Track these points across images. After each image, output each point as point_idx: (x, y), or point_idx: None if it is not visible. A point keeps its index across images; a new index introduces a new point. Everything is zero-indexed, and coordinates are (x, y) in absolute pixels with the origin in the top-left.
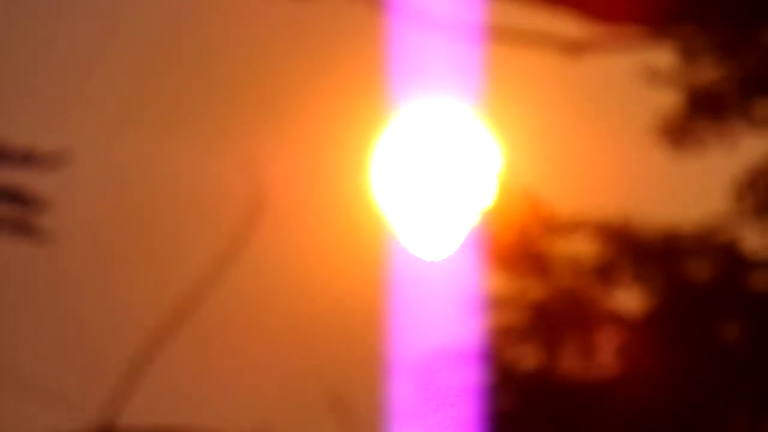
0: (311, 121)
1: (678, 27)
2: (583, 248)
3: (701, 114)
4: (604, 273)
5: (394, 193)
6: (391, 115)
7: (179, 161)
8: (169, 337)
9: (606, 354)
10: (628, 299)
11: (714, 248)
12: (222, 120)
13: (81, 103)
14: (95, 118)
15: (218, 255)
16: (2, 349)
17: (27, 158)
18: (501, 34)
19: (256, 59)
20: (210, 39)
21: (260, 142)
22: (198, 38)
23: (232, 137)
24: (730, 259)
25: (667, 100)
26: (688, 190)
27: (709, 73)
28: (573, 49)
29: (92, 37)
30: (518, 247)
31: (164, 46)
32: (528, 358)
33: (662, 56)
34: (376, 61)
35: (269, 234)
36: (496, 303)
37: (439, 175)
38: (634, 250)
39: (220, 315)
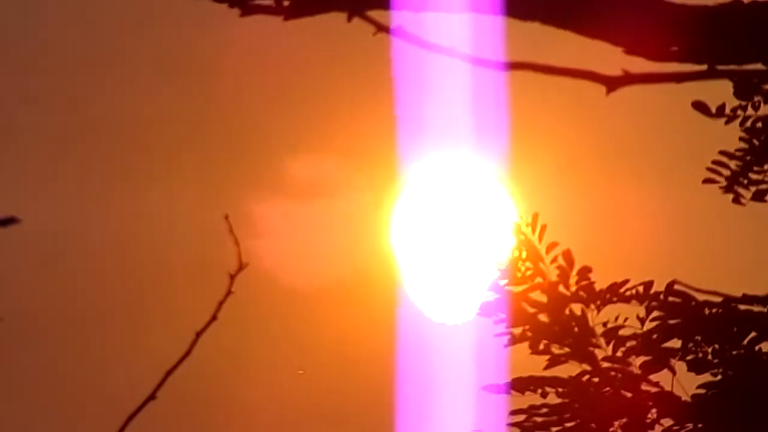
0: (321, 176)
1: (736, 63)
2: (624, 319)
3: (763, 159)
4: (651, 347)
5: (409, 252)
6: (408, 170)
7: (177, 218)
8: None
9: None
10: (680, 377)
11: None
12: (225, 178)
13: (69, 164)
14: (85, 176)
15: (213, 315)
16: None
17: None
18: (536, 69)
19: (264, 113)
20: (211, 94)
21: (270, 202)
22: (198, 93)
23: (236, 194)
24: None
25: (714, 145)
26: (747, 250)
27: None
28: (611, 83)
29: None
30: (548, 316)
31: (161, 103)
32: None
33: (709, 94)
34: (392, 113)
35: (273, 293)
36: (519, 382)
37: (457, 235)
38: (687, 321)
39: (213, 379)
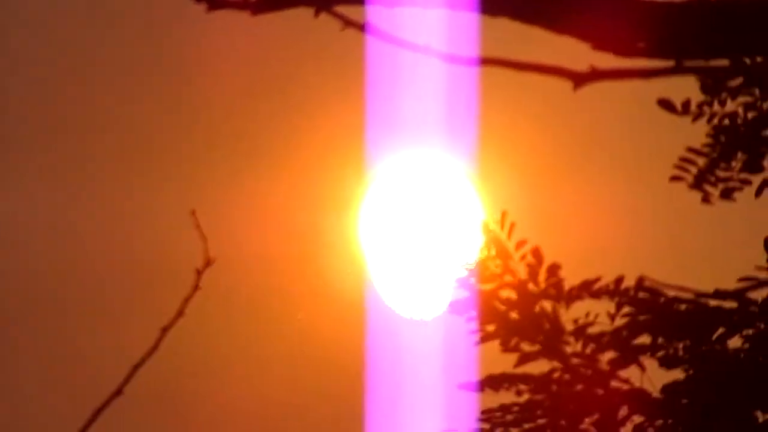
0: (291, 176)
1: (703, 59)
2: (595, 315)
3: (730, 156)
4: (620, 344)
5: (378, 249)
6: (375, 169)
7: (143, 213)
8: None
9: None
10: (648, 374)
11: (749, 314)
12: (191, 173)
13: (34, 159)
14: (50, 170)
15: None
16: None
17: None
18: (504, 65)
19: (235, 116)
20: (176, 89)
21: (237, 197)
22: (171, 93)
23: (201, 190)
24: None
25: (681, 142)
26: (715, 246)
27: (736, 108)
28: (578, 79)
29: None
30: (518, 313)
31: (135, 102)
32: None
33: (675, 90)
34: (361, 110)
35: (239, 289)
36: (492, 379)
37: (425, 231)
38: (656, 317)
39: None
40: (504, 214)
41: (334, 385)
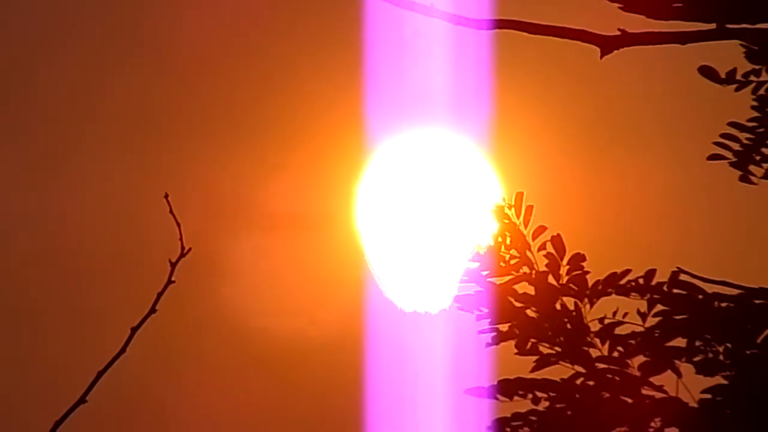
0: (280, 156)
1: (749, 22)
2: (624, 314)
3: None
4: (652, 346)
5: (378, 236)
6: (375, 149)
7: (110, 200)
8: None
9: None
10: (685, 380)
11: None
12: (166, 155)
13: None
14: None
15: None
16: None
17: None
18: (522, 28)
19: (217, 90)
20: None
21: (217, 178)
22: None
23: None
24: None
25: (722, 116)
26: (761, 234)
27: None
28: (606, 44)
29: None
30: (536, 311)
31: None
32: None
33: (717, 58)
34: (360, 78)
35: (220, 287)
36: (505, 384)
37: (431, 216)
38: (694, 316)
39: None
40: (520, 197)
41: (330, 389)
